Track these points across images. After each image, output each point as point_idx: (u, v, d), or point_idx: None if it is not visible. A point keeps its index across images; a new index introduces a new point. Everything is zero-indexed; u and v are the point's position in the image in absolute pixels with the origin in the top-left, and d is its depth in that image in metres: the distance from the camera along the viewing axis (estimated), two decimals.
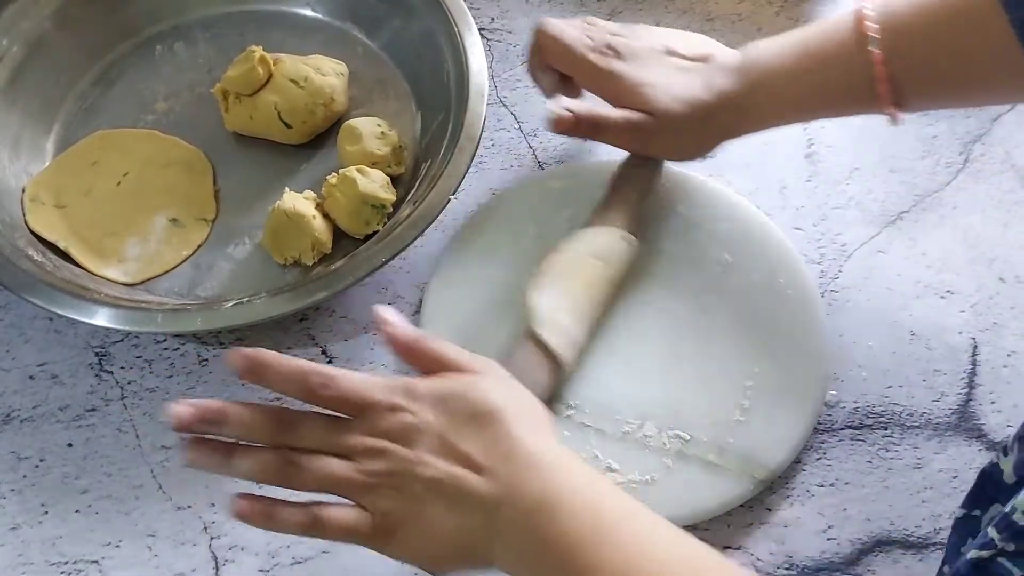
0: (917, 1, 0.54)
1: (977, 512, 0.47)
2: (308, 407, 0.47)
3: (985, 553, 0.41)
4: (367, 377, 0.46)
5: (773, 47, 0.58)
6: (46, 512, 0.57)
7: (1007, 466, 0.45)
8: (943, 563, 0.49)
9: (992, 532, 0.41)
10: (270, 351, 0.46)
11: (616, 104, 0.60)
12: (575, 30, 0.61)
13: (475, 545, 0.44)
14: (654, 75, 0.59)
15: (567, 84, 0.63)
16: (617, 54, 0.60)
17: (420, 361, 0.48)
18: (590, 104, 0.61)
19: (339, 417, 0.46)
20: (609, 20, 0.75)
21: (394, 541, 0.45)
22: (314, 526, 0.45)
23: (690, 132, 0.59)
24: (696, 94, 0.58)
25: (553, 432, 0.47)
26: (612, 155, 0.71)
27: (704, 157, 0.62)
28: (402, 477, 0.44)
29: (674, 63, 0.60)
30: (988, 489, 0.47)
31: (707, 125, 0.59)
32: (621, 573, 0.41)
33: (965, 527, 0.48)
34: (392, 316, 0.48)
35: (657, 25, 0.78)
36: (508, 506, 0.43)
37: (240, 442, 0.46)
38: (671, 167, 0.69)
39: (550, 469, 0.44)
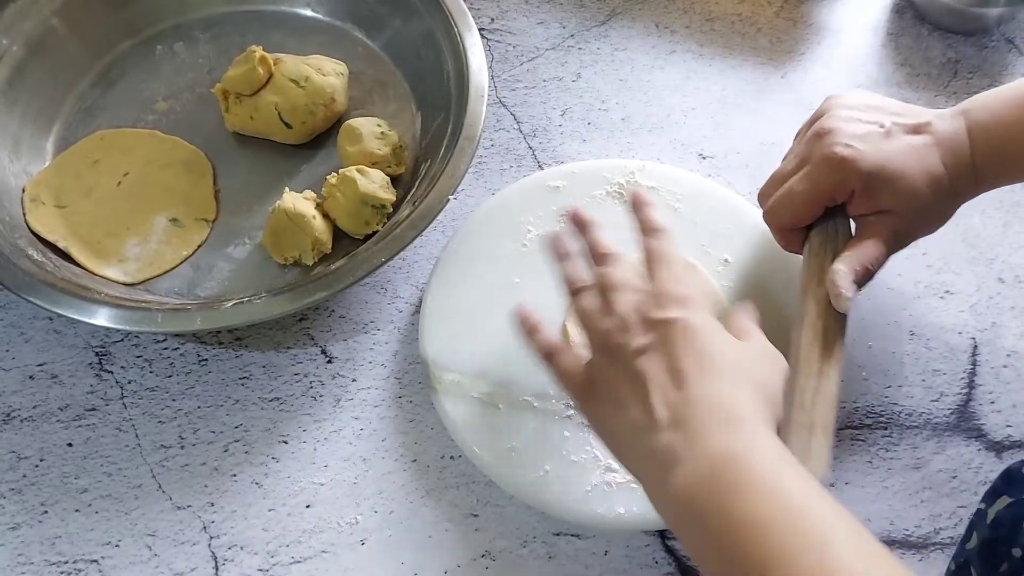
0: None
1: (982, 506, 0.47)
2: None
3: None
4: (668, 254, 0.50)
5: (996, 104, 0.55)
6: (46, 511, 0.57)
7: None
8: (952, 560, 0.49)
9: None
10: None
11: (857, 206, 0.55)
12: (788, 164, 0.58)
13: (643, 464, 0.44)
14: (894, 165, 0.54)
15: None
16: (846, 144, 0.54)
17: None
18: (853, 257, 0.54)
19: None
20: (603, 25, 0.75)
21: (586, 399, 0.48)
22: (549, 357, 0.50)
23: (936, 212, 0.56)
24: (934, 172, 0.54)
25: (767, 405, 0.45)
26: (612, 156, 0.71)
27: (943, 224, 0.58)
28: (621, 355, 0.46)
29: (903, 142, 0.55)
30: (1003, 484, 0.47)
31: (948, 200, 0.56)
32: None
33: (974, 519, 0.48)
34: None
35: (656, 26, 0.79)
36: (685, 454, 0.42)
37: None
38: (668, 158, 0.69)
39: (745, 432, 0.42)
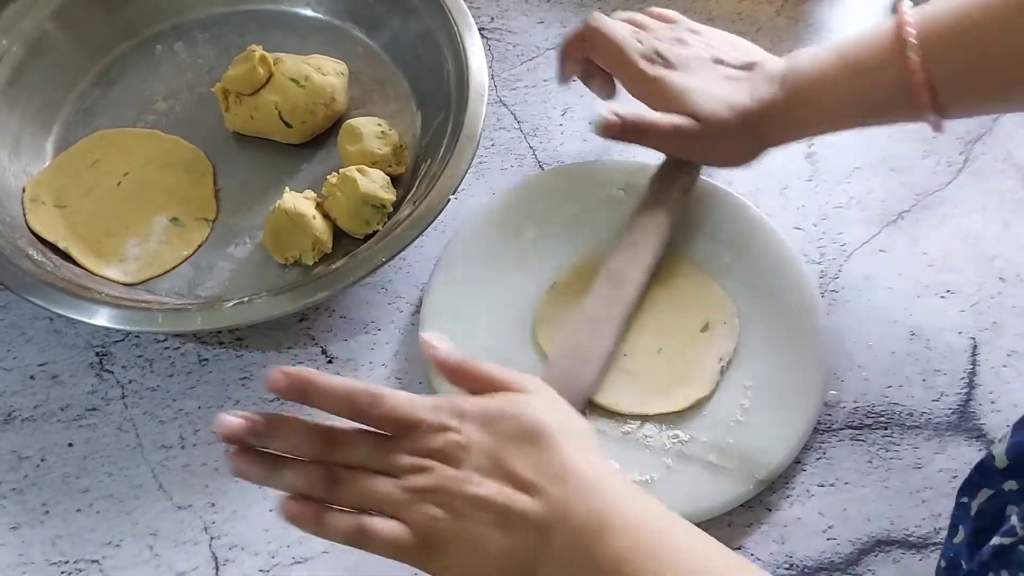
0: (955, 6, 0.53)
1: (965, 499, 0.48)
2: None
3: (1007, 540, 0.41)
4: (414, 397, 0.46)
5: (813, 55, 0.57)
6: (47, 512, 0.58)
7: (999, 451, 0.45)
8: (940, 557, 0.49)
9: (1015, 520, 0.41)
10: (314, 371, 0.46)
11: (660, 110, 0.60)
12: (625, 30, 0.61)
13: (520, 565, 0.43)
14: (700, 82, 0.59)
15: (603, 81, 0.63)
16: (665, 61, 0.60)
17: (468, 382, 0.48)
18: (635, 108, 0.60)
19: (385, 436, 0.46)
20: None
21: (437, 559, 0.44)
22: (359, 536, 0.44)
23: (734, 139, 0.59)
24: (741, 101, 0.58)
25: (598, 449, 0.47)
26: (613, 156, 0.71)
27: (747, 165, 0.61)
28: (448, 495, 0.43)
29: (721, 71, 0.60)
30: (978, 476, 0.47)
31: (750, 133, 0.59)
32: None
33: (957, 514, 0.48)
34: (438, 341, 0.48)
35: None
36: (558, 527, 0.42)
37: (286, 455, 0.46)
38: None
39: (600, 490, 0.44)
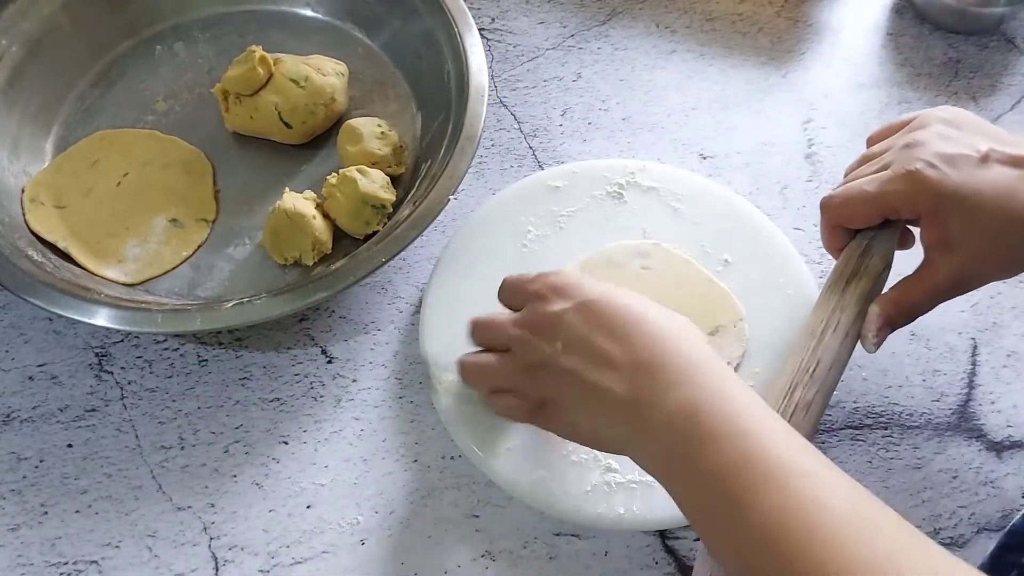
0: None
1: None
2: None
3: None
4: (526, 275, 0.51)
5: None
6: (46, 513, 0.57)
7: None
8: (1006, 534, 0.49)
9: None
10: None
11: (928, 232, 0.51)
12: (854, 176, 0.54)
13: (610, 439, 0.46)
14: (980, 198, 0.49)
15: (893, 234, 0.55)
16: (930, 163, 0.50)
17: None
18: (896, 297, 0.52)
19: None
20: (603, 24, 0.75)
21: (546, 420, 0.49)
22: (494, 401, 0.51)
23: (1019, 254, 0.50)
24: (1021, 215, 0.49)
25: (696, 338, 0.46)
26: (613, 156, 0.71)
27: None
28: (545, 368, 0.47)
29: (997, 174, 0.50)
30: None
31: None
32: (776, 524, 0.38)
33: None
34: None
35: (657, 25, 0.79)
36: (643, 412, 0.43)
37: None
38: (669, 158, 0.69)
39: (704, 378, 0.43)
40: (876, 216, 0.53)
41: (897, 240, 0.55)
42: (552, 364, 0.47)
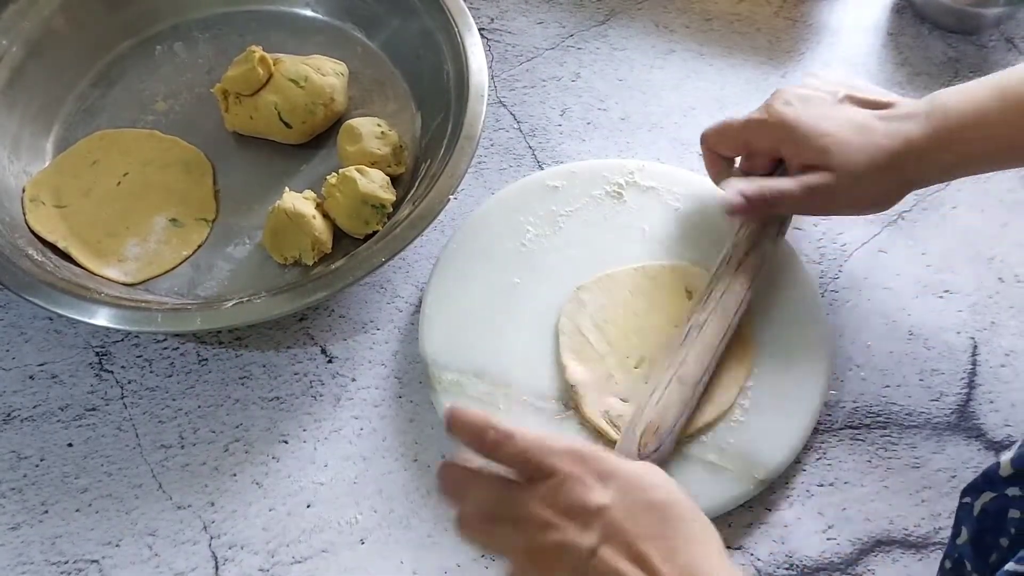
0: None
1: (967, 499, 0.48)
2: None
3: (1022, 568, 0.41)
4: (546, 438, 0.44)
5: (962, 92, 0.55)
6: (46, 511, 0.58)
7: (1005, 461, 0.46)
8: (944, 557, 0.49)
9: None
10: (458, 405, 0.46)
11: (790, 159, 0.58)
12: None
13: None
14: (830, 124, 0.55)
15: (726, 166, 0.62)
16: (786, 102, 0.57)
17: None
18: (759, 180, 0.58)
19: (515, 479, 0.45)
20: (602, 24, 0.75)
21: None
22: (487, 544, 0.46)
23: (873, 184, 0.55)
24: (878, 142, 0.54)
25: (723, 551, 0.44)
26: (611, 155, 0.71)
27: (885, 209, 0.58)
28: (572, 557, 0.42)
29: (851, 111, 0.56)
30: (983, 482, 0.47)
31: (890, 176, 0.55)
32: None
33: (960, 514, 0.48)
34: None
35: (655, 25, 0.79)
36: None
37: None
38: (668, 158, 0.69)
39: None
40: (742, 145, 0.61)
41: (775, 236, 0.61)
42: (579, 556, 0.42)
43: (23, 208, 0.66)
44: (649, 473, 0.44)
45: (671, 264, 0.63)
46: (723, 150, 0.62)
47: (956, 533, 0.48)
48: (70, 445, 0.60)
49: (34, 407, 0.61)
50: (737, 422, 0.58)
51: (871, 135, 0.55)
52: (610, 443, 0.56)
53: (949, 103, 0.55)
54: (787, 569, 0.56)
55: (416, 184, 0.65)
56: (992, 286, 0.65)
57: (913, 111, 0.55)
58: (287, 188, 0.64)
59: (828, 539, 0.56)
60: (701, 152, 0.63)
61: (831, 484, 0.58)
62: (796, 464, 0.58)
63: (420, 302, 0.63)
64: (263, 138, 0.70)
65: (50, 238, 0.65)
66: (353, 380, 0.62)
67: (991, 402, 0.61)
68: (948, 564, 0.49)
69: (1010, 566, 0.41)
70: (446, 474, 0.46)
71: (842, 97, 0.58)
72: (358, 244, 0.64)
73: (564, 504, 0.42)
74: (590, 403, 0.57)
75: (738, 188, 0.57)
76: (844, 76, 0.61)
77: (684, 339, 0.57)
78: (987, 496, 0.46)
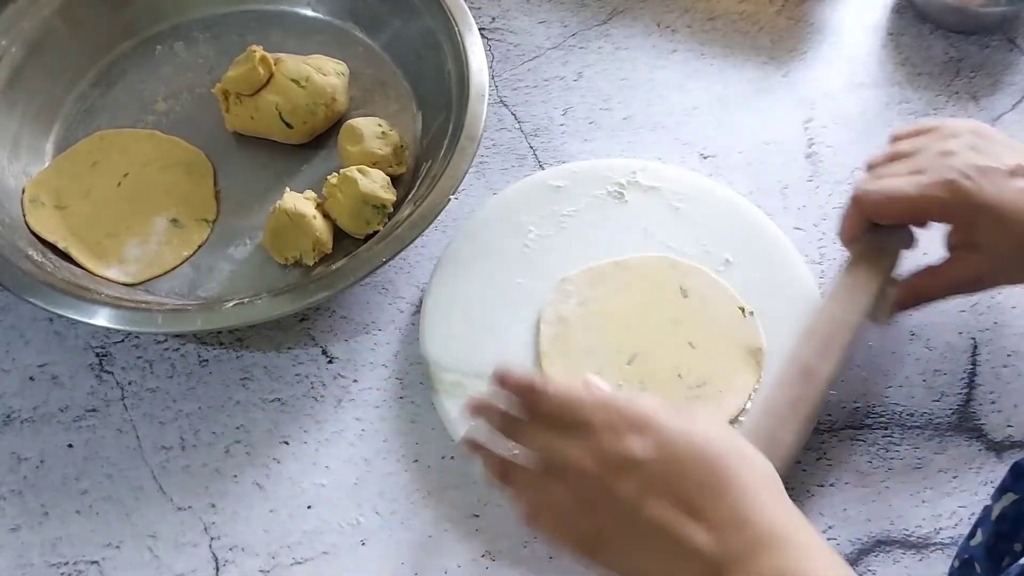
0: None
1: (990, 503, 0.47)
2: None
3: None
4: (578, 390, 0.46)
5: None
6: (46, 513, 0.57)
7: None
8: (955, 556, 0.49)
9: None
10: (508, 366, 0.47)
11: (965, 237, 0.55)
12: (891, 172, 0.57)
13: None
14: (1004, 200, 0.53)
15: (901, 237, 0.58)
16: (965, 175, 0.54)
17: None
18: (914, 280, 0.57)
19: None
20: (604, 24, 0.75)
21: (594, 554, 0.44)
22: (531, 521, 0.47)
23: None
24: None
25: (783, 494, 0.44)
26: (614, 155, 0.71)
27: None
28: (611, 508, 0.43)
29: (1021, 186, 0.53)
30: (1012, 479, 0.47)
31: None
32: None
33: (981, 516, 0.48)
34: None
35: (657, 25, 0.79)
36: (730, 569, 0.41)
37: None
38: (670, 158, 0.69)
39: (786, 546, 0.41)
40: (910, 216, 0.57)
41: (906, 242, 0.59)
42: (625, 507, 0.43)
43: (23, 209, 0.66)
44: (694, 419, 0.45)
45: (659, 256, 0.63)
46: (886, 220, 0.57)
47: (972, 534, 0.48)
48: (70, 447, 0.60)
49: (34, 409, 0.61)
50: (737, 422, 0.57)
51: None
52: None
53: None
54: None
55: (417, 184, 0.65)
56: None
57: None
58: (288, 188, 0.64)
59: (828, 539, 0.56)
60: (847, 211, 0.58)
61: (831, 484, 0.58)
62: (796, 464, 0.58)
63: (421, 303, 0.63)
64: (264, 138, 0.70)
65: (50, 239, 0.65)
66: (354, 381, 0.62)
67: (992, 403, 0.61)
68: (956, 563, 0.49)
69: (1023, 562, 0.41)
70: (489, 463, 0.48)
71: (1012, 167, 0.54)
72: (359, 244, 0.63)
73: (602, 456, 0.43)
74: None
75: (900, 302, 0.56)
76: (984, 127, 0.57)
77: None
78: (1009, 498, 0.46)
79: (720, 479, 0.42)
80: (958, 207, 0.54)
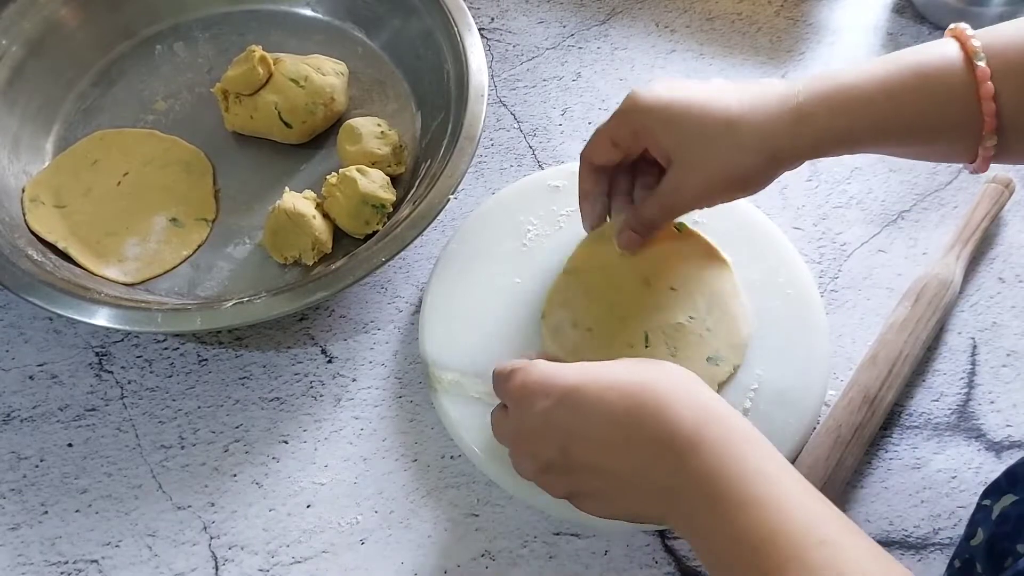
0: (1020, 29, 0.49)
1: (988, 502, 0.47)
2: None
3: None
4: (498, 375, 0.50)
5: (847, 66, 0.51)
6: (46, 512, 0.57)
7: None
8: (954, 556, 0.49)
9: None
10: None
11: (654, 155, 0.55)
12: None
13: (648, 515, 0.46)
14: (678, 96, 0.51)
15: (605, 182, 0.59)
16: (647, 88, 0.53)
17: None
18: (630, 209, 0.58)
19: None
20: (603, 24, 0.76)
21: (581, 507, 0.48)
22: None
23: (738, 162, 0.50)
24: (730, 117, 0.50)
25: (699, 385, 0.46)
26: None
27: (758, 190, 0.53)
28: (557, 469, 0.47)
29: (709, 86, 0.52)
30: (1006, 483, 0.47)
31: (754, 153, 0.50)
32: (775, 510, 0.40)
33: (977, 516, 0.48)
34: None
35: (656, 25, 0.79)
36: (671, 480, 0.43)
37: None
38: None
39: (706, 436, 0.43)
40: (608, 145, 0.55)
41: None
42: (561, 465, 0.46)
43: (23, 208, 0.66)
44: (593, 367, 0.47)
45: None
46: (597, 159, 0.57)
47: (971, 534, 0.48)
48: (70, 445, 0.60)
49: (34, 407, 0.61)
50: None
51: (725, 108, 0.49)
52: None
53: (830, 77, 0.50)
54: None
55: (416, 184, 0.65)
56: (993, 286, 0.65)
57: (785, 91, 0.50)
58: (287, 188, 0.64)
59: None
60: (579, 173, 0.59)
61: None
62: (796, 464, 0.58)
63: (420, 302, 0.63)
64: (263, 138, 0.70)
65: (50, 238, 0.65)
66: (353, 380, 0.62)
67: (992, 403, 0.61)
68: (957, 563, 0.49)
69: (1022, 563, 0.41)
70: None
71: (713, 80, 0.53)
72: (358, 244, 0.64)
73: (524, 430, 0.48)
74: None
75: (623, 224, 0.58)
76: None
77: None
78: (1009, 499, 0.46)
79: (635, 404, 0.44)
80: (635, 115, 0.52)
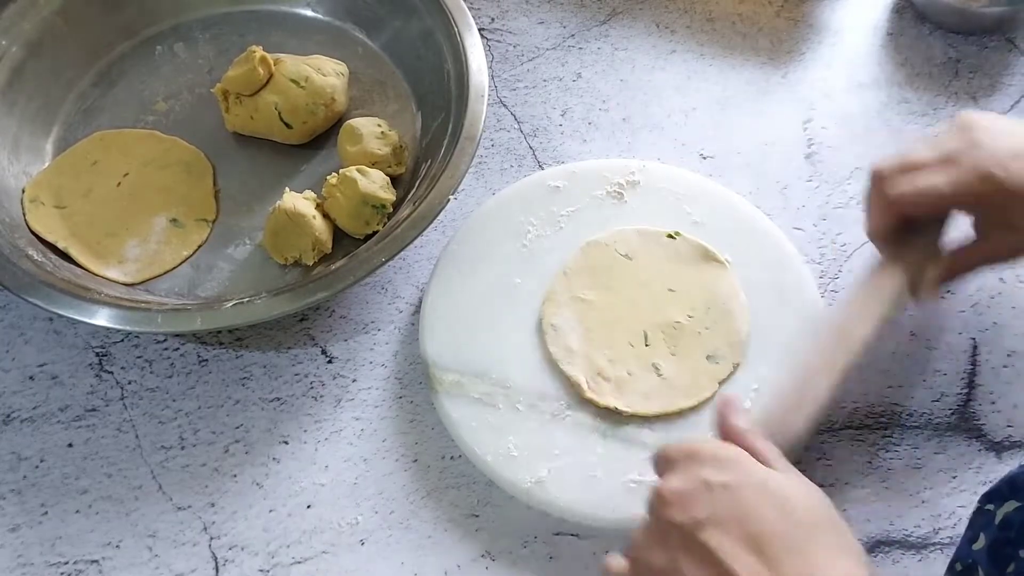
0: None
1: (990, 506, 0.47)
2: None
3: None
4: (669, 447, 0.47)
5: None
6: (46, 512, 0.57)
7: None
8: (954, 559, 0.49)
9: None
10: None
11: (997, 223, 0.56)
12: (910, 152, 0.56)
13: None
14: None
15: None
16: (1000, 166, 0.53)
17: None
18: (950, 260, 0.57)
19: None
20: (603, 24, 0.75)
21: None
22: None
23: None
24: None
25: (853, 549, 0.43)
26: (613, 156, 0.71)
27: None
28: (679, 536, 0.43)
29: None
30: (1008, 489, 0.47)
31: None
32: None
33: (978, 520, 0.48)
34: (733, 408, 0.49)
35: (656, 25, 0.79)
36: None
37: None
38: (669, 158, 0.69)
39: None
40: (945, 210, 0.57)
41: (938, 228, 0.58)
42: (684, 530, 0.43)
43: (23, 208, 0.66)
44: (786, 477, 0.45)
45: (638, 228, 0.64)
46: (921, 214, 0.56)
47: (972, 538, 0.48)
48: (70, 446, 0.60)
49: (34, 408, 0.61)
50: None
51: None
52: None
53: None
54: None
55: (416, 184, 0.65)
56: (994, 286, 0.65)
57: None
58: (287, 188, 0.64)
59: None
60: (877, 207, 0.56)
61: (831, 484, 0.58)
62: (796, 464, 0.58)
63: (420, 302, 0.63)
64: (263, 138, 0.70)
65: (50, 238, 0.65)
66: (354, 381, 0.62)
67: (992, 403, 0.61)
68: (959, 567, 0.48)
69: None
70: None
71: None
72: (358, 244, 0.64)
73: (680, 487, 0.44)
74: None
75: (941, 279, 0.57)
76: (1007, 120, 0.57)
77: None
78: (1012, 505, 0.46)
79: (802, 534, 0.42)
80: (993, 196, 0.54)
